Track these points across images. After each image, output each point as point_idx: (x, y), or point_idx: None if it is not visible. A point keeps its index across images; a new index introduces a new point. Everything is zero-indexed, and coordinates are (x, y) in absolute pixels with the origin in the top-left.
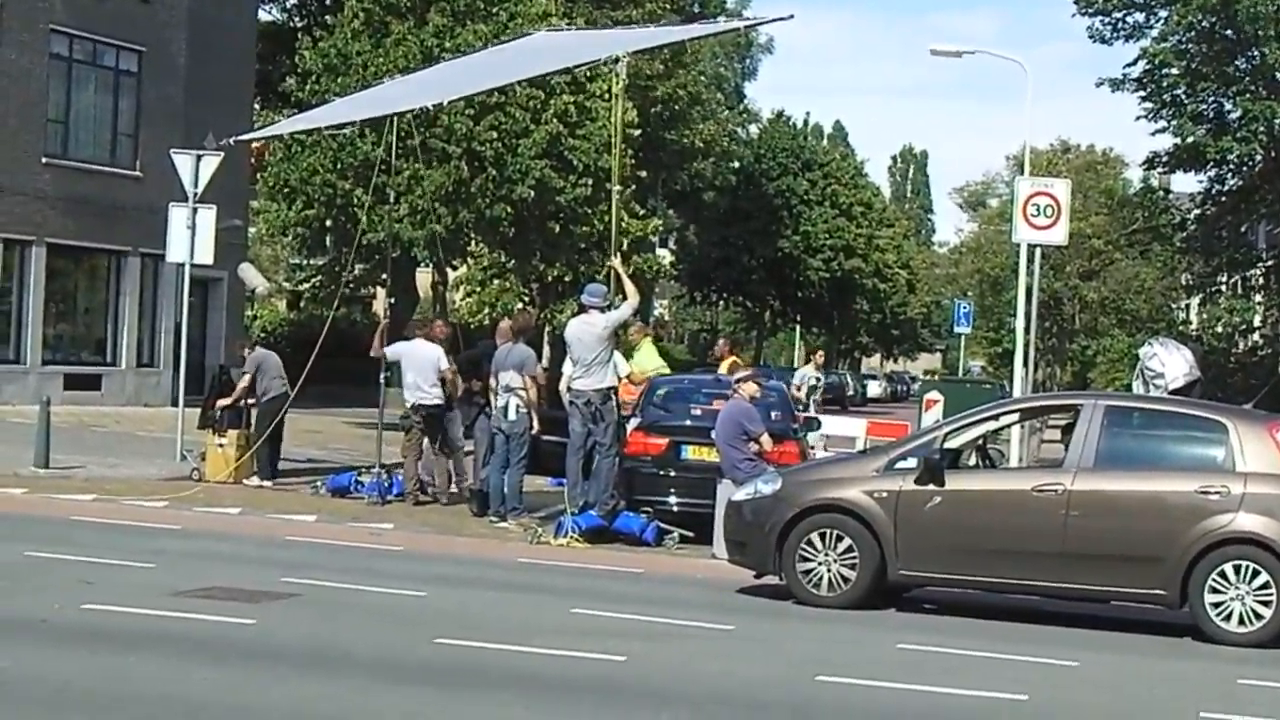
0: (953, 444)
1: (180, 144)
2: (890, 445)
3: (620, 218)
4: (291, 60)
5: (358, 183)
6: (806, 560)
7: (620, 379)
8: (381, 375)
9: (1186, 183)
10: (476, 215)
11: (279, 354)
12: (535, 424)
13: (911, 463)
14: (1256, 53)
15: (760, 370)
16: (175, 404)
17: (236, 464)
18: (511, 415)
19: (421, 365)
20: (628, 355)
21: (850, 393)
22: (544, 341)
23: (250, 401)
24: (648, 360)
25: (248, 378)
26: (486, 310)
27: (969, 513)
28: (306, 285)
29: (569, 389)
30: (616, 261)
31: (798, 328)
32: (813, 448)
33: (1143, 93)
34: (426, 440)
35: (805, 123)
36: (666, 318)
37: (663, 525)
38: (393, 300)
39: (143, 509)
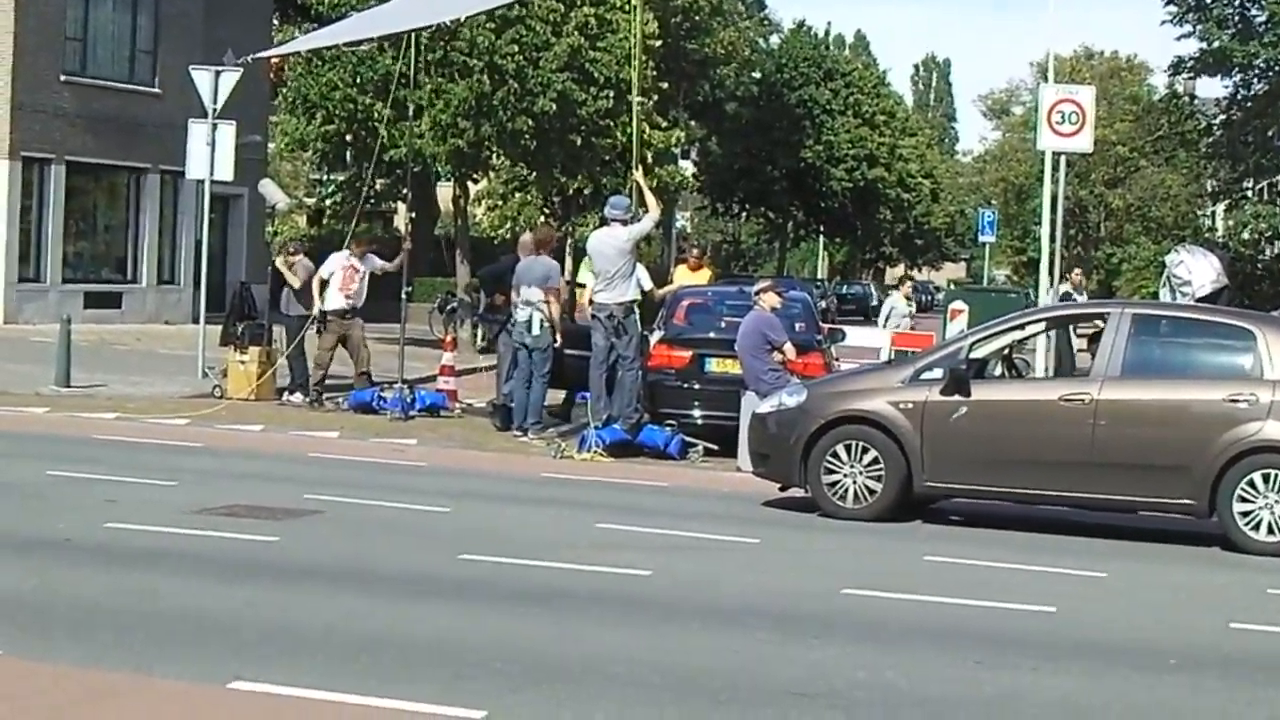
0: (979, 354)
1: (199, 60)
2: (917, 357)
3: (642, 130)
4: None
5: (378, 97)
6: (832, 472)
7: (644, 292)
8: (403, 290)
9: (1212, 88)
10: (498, 129)
11: None
12: (558, 338)
13: (937, 373)
14: None
15: (780, 280)
16: (196, 321)
17: (259, 380)
18: (535, 330)
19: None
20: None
21: (874, 303)
22: (566, 255)
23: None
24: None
25: (317, 279)
26: (508, 224)
27: (995, 423)
28: (327, 200)
29: (591, 302)
30: (638, 174)
31: (821, 238)
32: (837, 359)
33: None
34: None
35: (826, 32)
36: (689, 230)
37: (687, 438)
38: (413, 215)
39: (164, 427)
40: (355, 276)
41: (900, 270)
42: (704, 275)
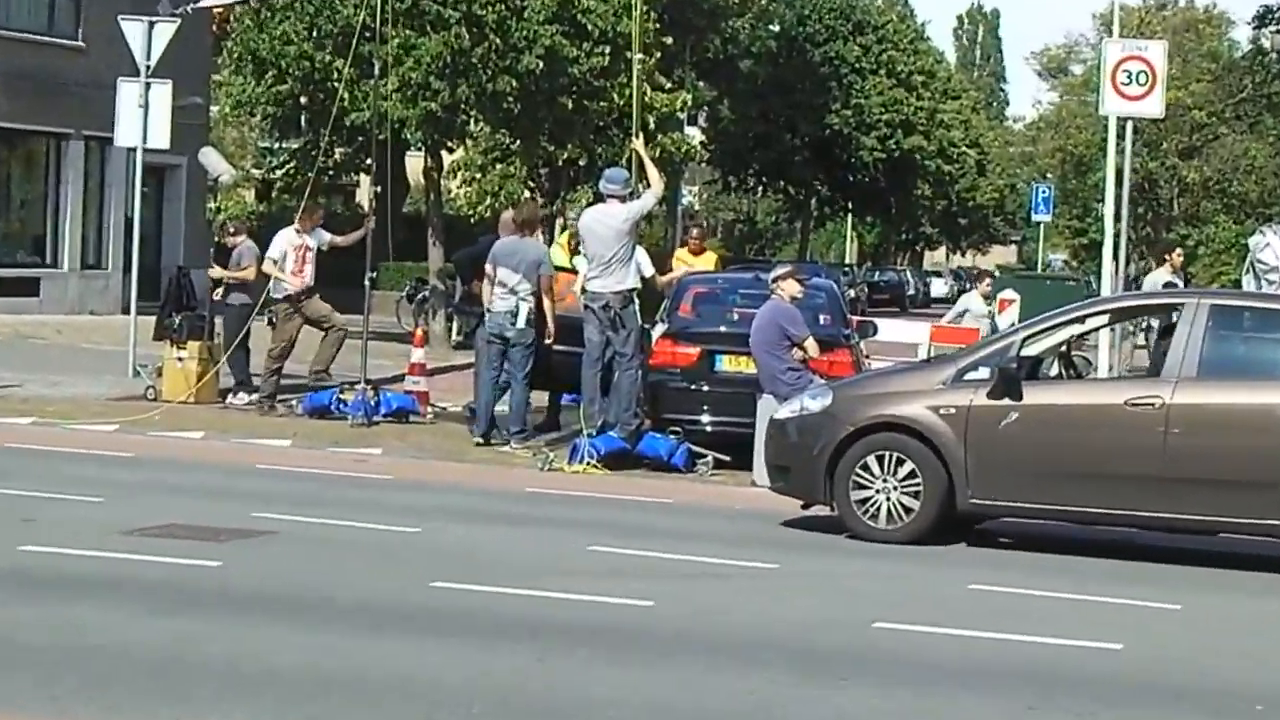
0: (1032, 351)
1: (129, 9)
2: (959, 353)
3: (642, 91)
4: None
5: (338, 53)
6: (862, 487)
7: (645, 279)
8: (367, 276)
9: None
10: (477, 90)
11: None
12: (551, 334)
13: (984, 373)
14: None
15: (802, 265)
16: (126, 312)
17: (199, 381)
18: (521, 322)
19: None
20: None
21: (911, 292)
22: (553, 236)
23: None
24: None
25: (251, 269)
26: (488, 200)
27: (1051, 431)
28: (278, 172)
29: (584, 290)
30: (638, 143)
31: (849, 217)
32: (868, 356)
33: None
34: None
35: None
36: (696, 207)
37: (694, 448)
38: (378, 189)
39: (90, 434)
40: (309, 256)
41: (941, 253)
42: (707, 260)
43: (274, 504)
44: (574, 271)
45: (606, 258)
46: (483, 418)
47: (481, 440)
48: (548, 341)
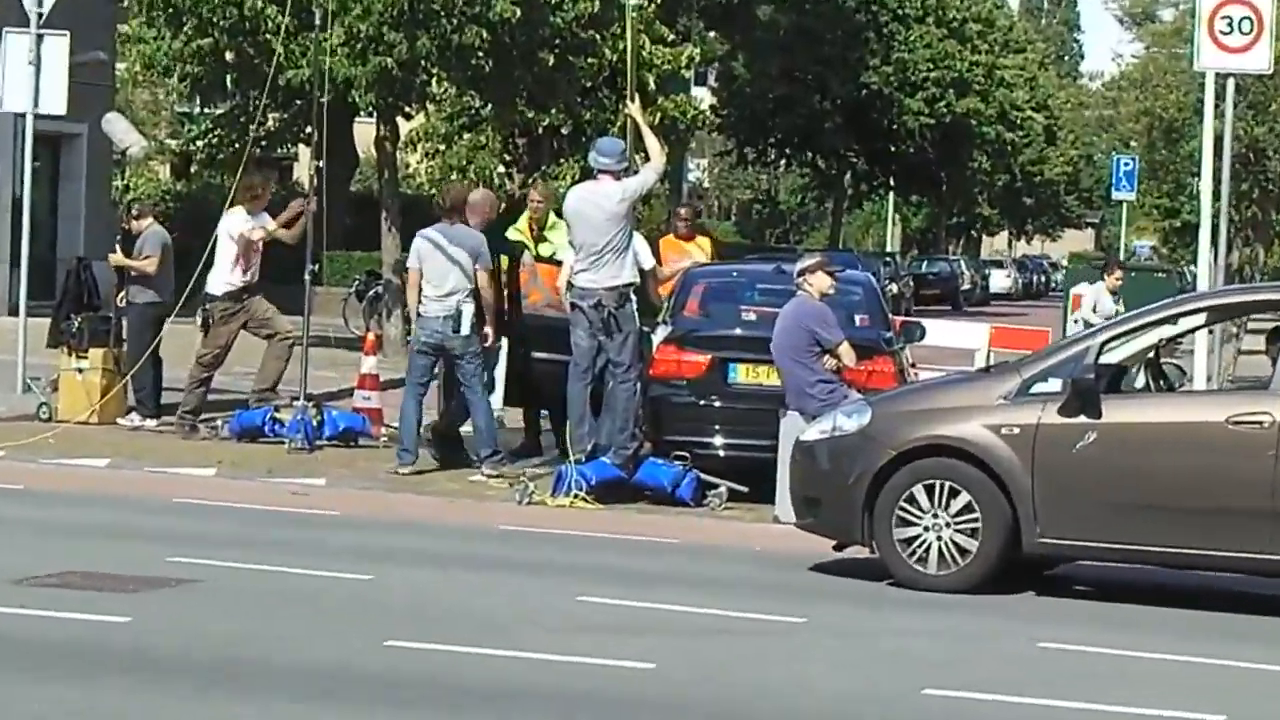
0: (1113, 358)
1: None
2: (1024, 361)
3: (639, 45)
4: None
5: (272, 0)
6: (908, 524)
7: (643, 272)
8: (307, 270)
9: None
10: (439, 43)
11: None
12: (491, 338)
13: (1055, 385)
14: None
15: (834, 255)
16: (14, 313)
17: (104, 396)
18: (465, 328)
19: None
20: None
21: (966, 286)
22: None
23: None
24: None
25: (154, 259)
26: (454, 176)
27: (1137, 455)
28: (199, 143)
29: (570, 285)
30: (635, 107)
31: (890, 196)
32: (914, 365)
33: None
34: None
35: None
36: (705, 184)
37: (704, 476)
38: (320, 164)
39: None
40: (258, 245)
41: (1002, 238)
42: (700, 248)
43: (194, 546)
44: (554, 263)
45: (598, 247)
46: (410, 446)
47: (412, 470)
48: (489, 346)
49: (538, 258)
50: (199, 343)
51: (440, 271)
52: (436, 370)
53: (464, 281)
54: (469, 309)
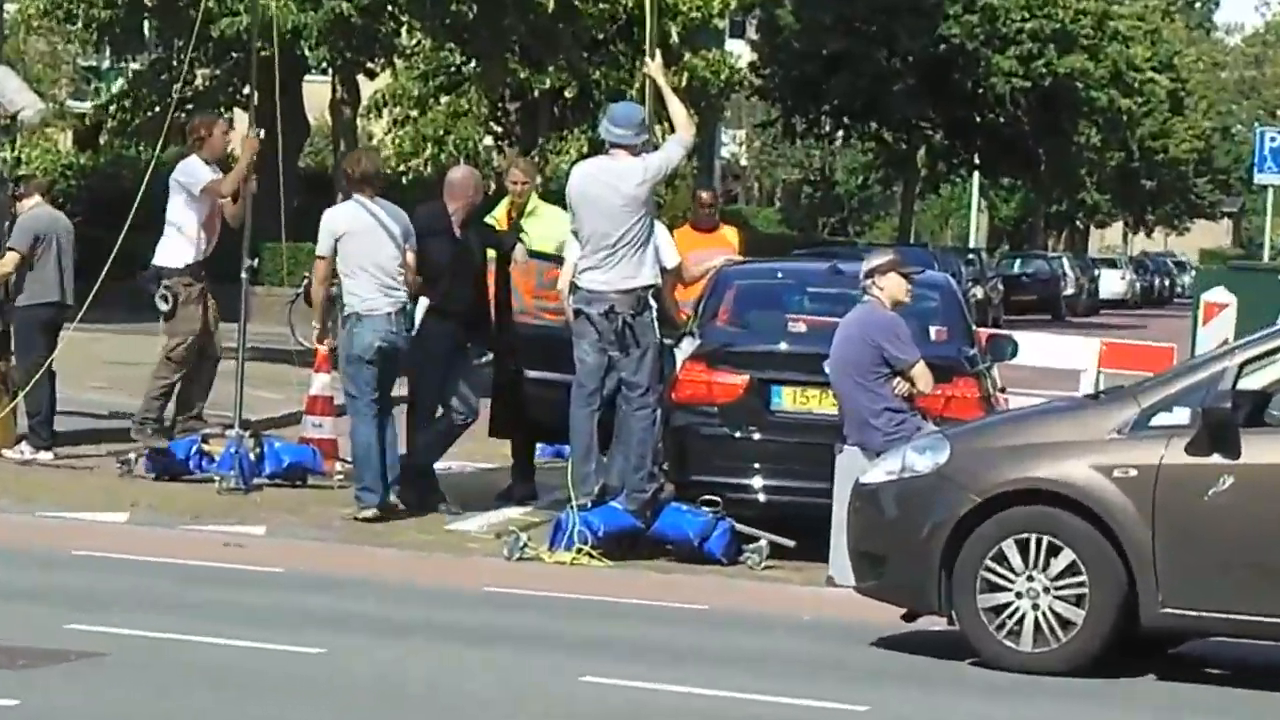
0: (1255, 382)
1: None
2: (1143, 385)
3: None
4: None
5: None
6: (996, 589)
7: (665, 271)
8: (245, 264)
9: None
10: None
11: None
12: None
13: (1181, 415)
14: None
15: (906, 252)
16: None
17: None
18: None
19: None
20: None
21: (1070, 290)
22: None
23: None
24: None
25: (14, 255)
26: (429, 149)
27: None
28: (111, 108)
29: (575, 288)
30: (655, 66)
31: (975, 177)
32: (1003, 389)
33: None
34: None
35: None
36: (743, 161)
37: (740, 527)
38: (261, 132)
39: None
40: (218, 206)
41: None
42: (723, 241)
43: (99, 611)
44: (551, 260)
45: (611, 239)
46: (375, 480)
47: (376, 513)
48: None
49: (501, 256)
50: (163, 332)
51: (385, 254)
52: None
53: (398, 272)
54: (423, 302)
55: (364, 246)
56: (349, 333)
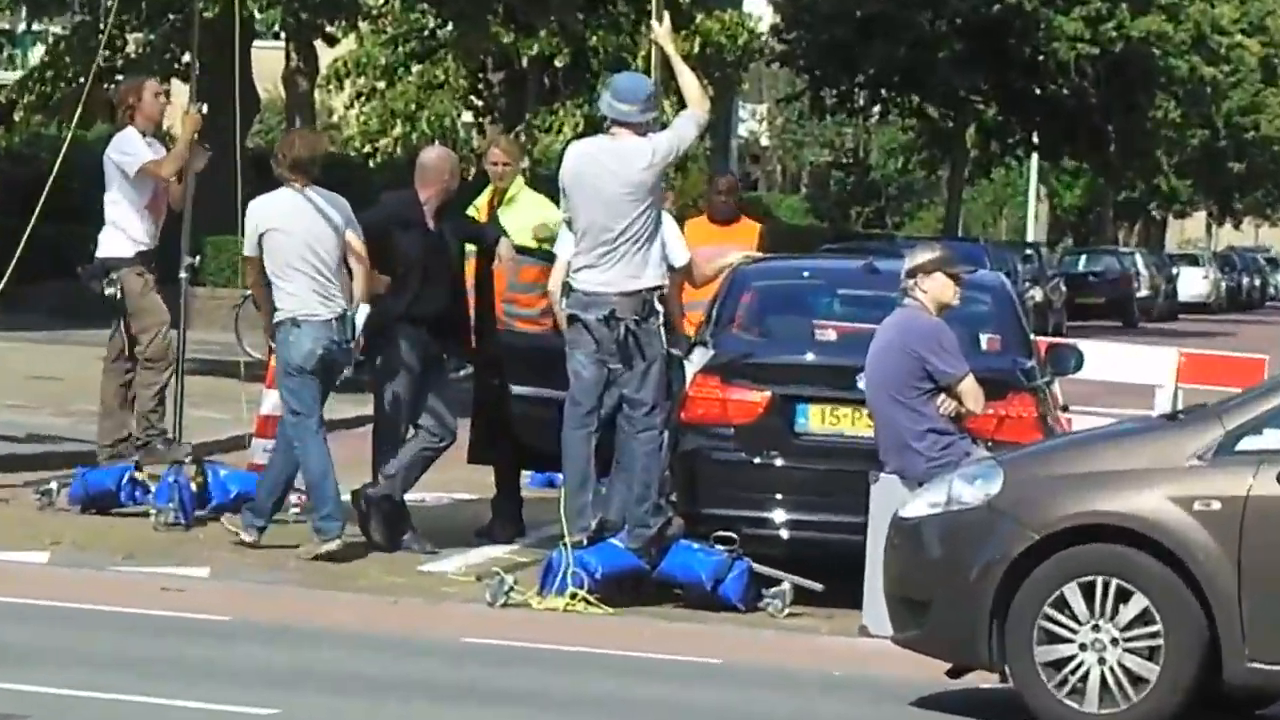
0: None
1: None
2: (1228, 404)
3: None
4: None
5: None
6: (1056, 639)
7: (673, 270)
8: (185, 261)
9: None
10: None
11: None
12: (359, 346)
13: (1274, 439)
14: None
15: (953, 247)
16: None
17: None
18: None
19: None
20: None
21: (1144, 292)
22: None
23: None
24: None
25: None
26: (398, 128)
27: None
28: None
29: (569, 288)
30: (663, 31)
31: (1033, 159)
32: (1065, 407)
33: None
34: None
35: None
36: (764, 142)
37: (760, 568)
38: (204, 107)
39: None
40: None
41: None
42: (743, 234)
43: (19, 666)
44: (531, 256)
45: (613, 233)
46: (336, 508)
47: (340, 545)
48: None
49: (540, 253)
50: (131, 329)
51: (321, 251)
52: None
53: (330, 256)
54: (364, 309)
55: (295, 243)
56: (284, 342)
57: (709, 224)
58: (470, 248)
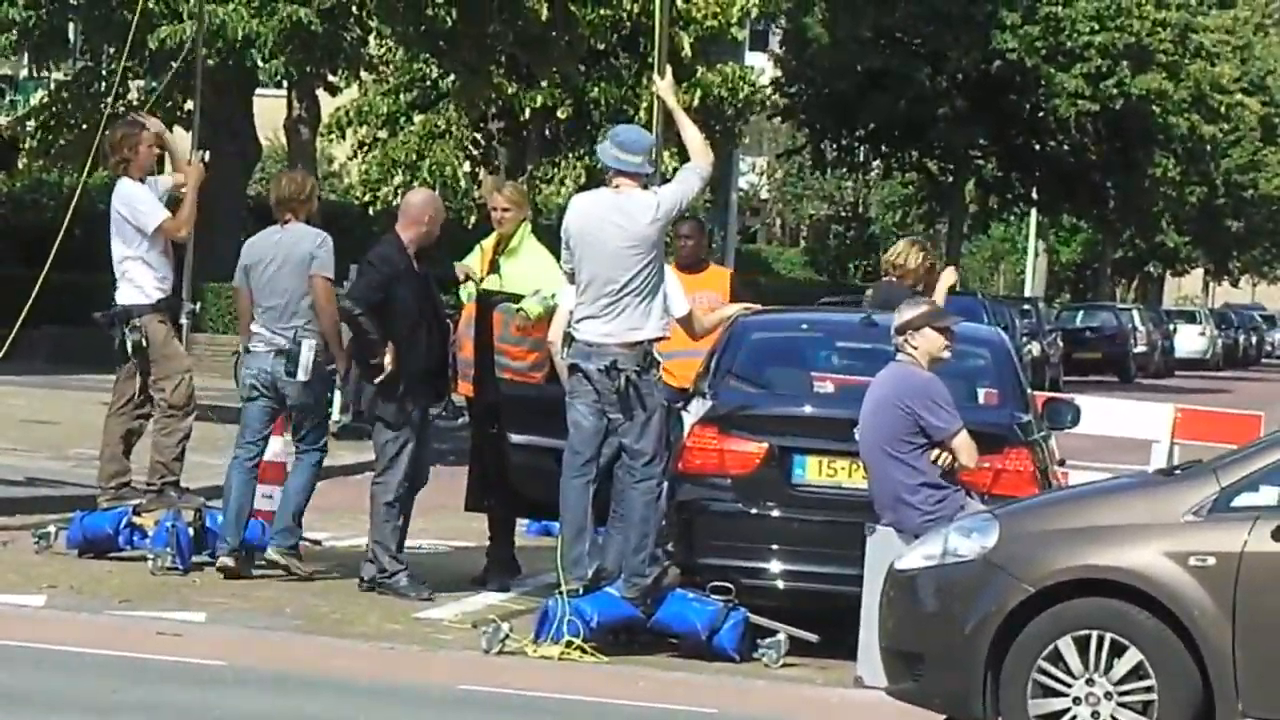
0: None
1: None
2: (1224, 460)
3: None
4: None
5: None
6: (1050, 693)
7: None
8: (185, 309)
9: None
10: None
11: None
12: (342, 367)
13: (1269, 495)
14: None
15: (950, 302)
16: None
17: None
18: (302, 371)
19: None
20: None
21: (1141, 348)
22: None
23: None
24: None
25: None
26: (399, 177)
27: None
28: (30, 123)
29: (571, 340)
30: (665, 84)
31: (1033, 215)
32: (1061, 461)
33: None
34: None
35: None
36: (764, 193)
37: (756, 619)
38: (206, 154)
39: None
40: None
41: (1195, 279)
42: (712, 282)
43: (14, 711)
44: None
45: (617, 285)
46: (288, 524)
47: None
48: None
49: (483, 294)
50: (148, 375)
51: (276, 286)
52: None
53: (303, 302)
54: (309, 344)
55: (260, 277)
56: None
57: (678, 272)
58: (466, 291)
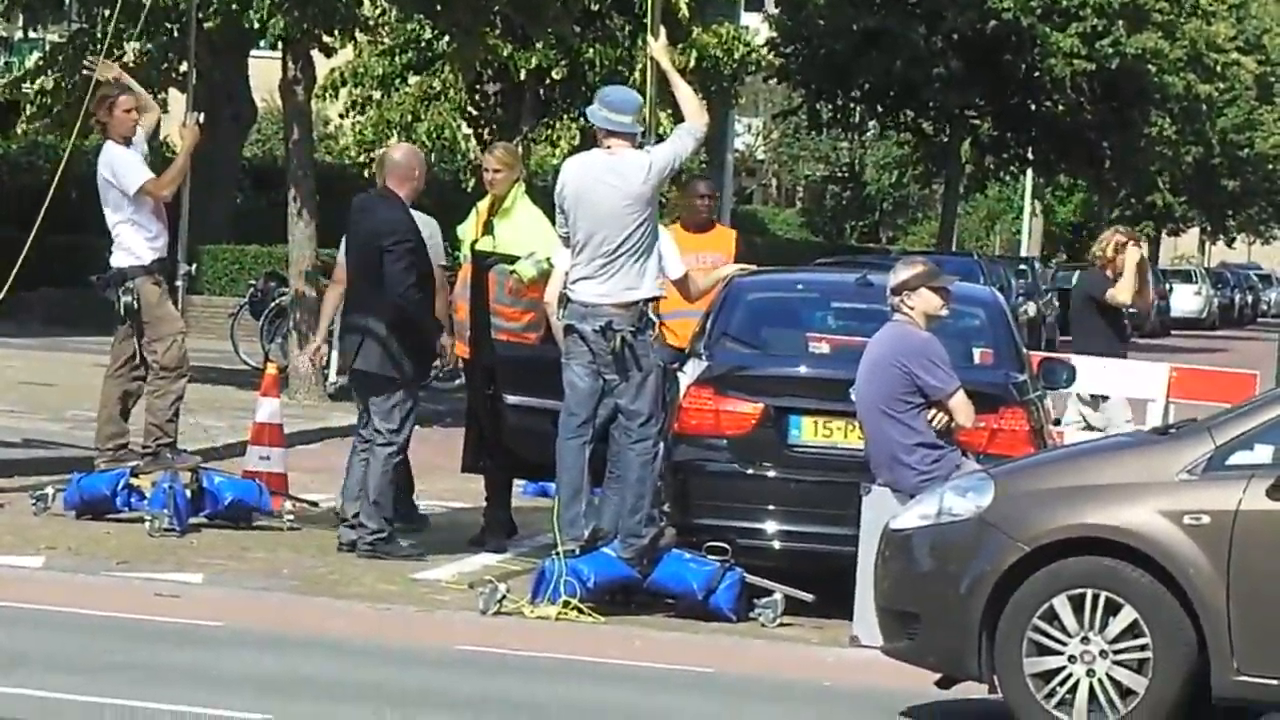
0: None
1: None
2: (1219, 419)
3: None
4: None
5: None
6: (1045, 651)
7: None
8: (181, 271)
9: None
10: None
11: None
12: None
13: (1264, 454)
14: None
15: (944, 261)
16: None
17: None
18: None
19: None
20: None
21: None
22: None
23: None
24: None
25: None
26: (395, 138)
27: None
28: (28, 85)
29: (567, 300)
30: (659, 45)
31: (1028, 175)
32: (1057, 421)
33: None
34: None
35: None
36: (759, 155)
37: (752, 578)
38: (201, 116)
39: None
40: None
41: (1190, 239)
42: (718, 243)
43: (12, 670)
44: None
45: (612, 245)
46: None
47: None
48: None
49: (478, 255)
50: (144, 337)
51: None
52: None
53: None
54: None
55: None
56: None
57: (684, 232)
58: (464, 252)
